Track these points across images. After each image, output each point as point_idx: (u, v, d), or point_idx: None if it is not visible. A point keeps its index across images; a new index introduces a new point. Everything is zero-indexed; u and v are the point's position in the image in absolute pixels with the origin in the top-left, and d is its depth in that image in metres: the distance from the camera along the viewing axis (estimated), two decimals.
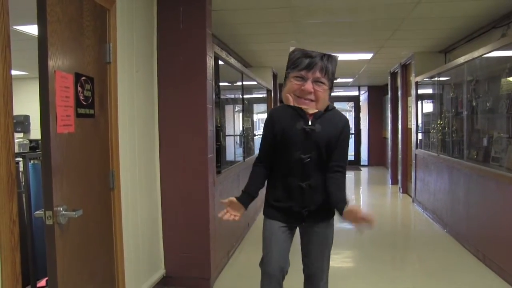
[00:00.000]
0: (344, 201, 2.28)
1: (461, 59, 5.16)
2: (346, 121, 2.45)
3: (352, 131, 15.02)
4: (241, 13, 4.86)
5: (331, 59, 2.34)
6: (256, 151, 7.35)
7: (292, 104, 2.35)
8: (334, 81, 2.42)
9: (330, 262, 2.60)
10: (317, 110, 2.35)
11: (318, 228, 2.48)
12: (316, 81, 2.30)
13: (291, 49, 2.41)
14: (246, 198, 2.50)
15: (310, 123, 2.35)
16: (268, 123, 2.46)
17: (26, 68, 7.98)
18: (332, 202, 2.35)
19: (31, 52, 5.34)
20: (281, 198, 2.45)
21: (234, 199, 2.47)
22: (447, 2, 4.46)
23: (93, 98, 2.48)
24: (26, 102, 6.45)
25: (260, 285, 2.48)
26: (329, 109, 2.42)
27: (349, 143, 2.51)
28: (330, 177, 2.36)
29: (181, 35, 3.71)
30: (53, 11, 1.98)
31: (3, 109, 1.83)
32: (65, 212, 2.03)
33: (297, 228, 2.56)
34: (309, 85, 2.29)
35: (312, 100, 2.32)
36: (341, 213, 2.25)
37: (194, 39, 3.71)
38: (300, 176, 2.38)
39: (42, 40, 1.92)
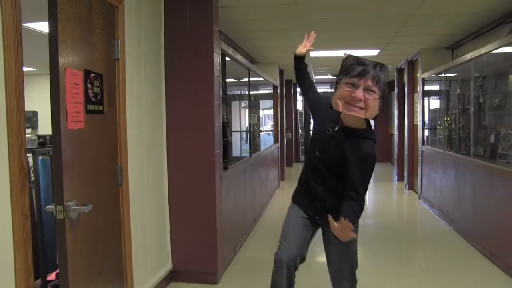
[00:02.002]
0: (346, 214, 2.15)
1: (468, 56, 5.14)
2: (370, 151, 2.40)
3: None
4: (248, 10, 4.87)
5: (384, 68, 2.32)
6: (262, 147, 7.39)
7: (341, 110, 2.34)
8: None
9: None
10: (366, 117, 2.35)
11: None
12: (367, 89, 2.27)
13: (345, 55, 2.41)
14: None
15: (337, 127, 2.41)
16: (321, 102, 2.63)
17: (34, 65, 8.05)
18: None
19: (40, 49, 5.39)
20: (304, 184, 2.63)
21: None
22: None
23: (102, 94, 2.51)
24: (34, 98, 6.51)
25: (272, 272, 2.56)
26: (366, 136, 2.41)
27: (371, 173, 2.41)
28: (346, 199, 2.28)
29: (188, 32, 3.73)
30: (63, 9, 2.01)
31: (15, 105, 1.87)
32: (75, 207, 2.07)
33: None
34: (359, 93, 2.26)
35: (361, 108, 2.29)
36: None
37: (201, 36, 3.73)
38: (316, 172, 2.51)
39: (53, 37, 1.95)
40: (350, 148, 2.36)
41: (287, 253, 2.51)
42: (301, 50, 2.76)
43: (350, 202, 2.26)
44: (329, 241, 2.57)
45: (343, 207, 2.26)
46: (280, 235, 2.62)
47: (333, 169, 2.44)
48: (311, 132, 2.65)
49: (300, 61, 2.80)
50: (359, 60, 2.32)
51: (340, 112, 2.38)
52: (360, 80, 2.27)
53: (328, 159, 2.45)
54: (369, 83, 2.27)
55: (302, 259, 2.59)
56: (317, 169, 2.49)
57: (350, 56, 2.38)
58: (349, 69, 2.31)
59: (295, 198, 2.70)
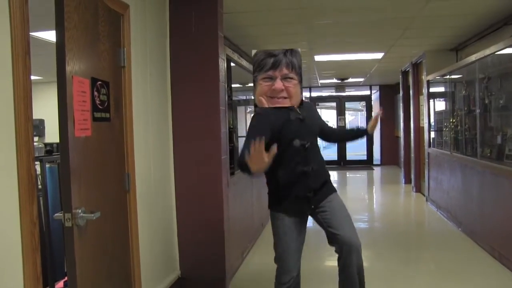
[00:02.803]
0: (360, 130, 2.87)
1: (473, 57, 5.13)
2: (314, 107, 2.86)
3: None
4: (252, 15, 4.89)
5: (295, 53, 2.35)
6: None
7: (266, 106, 2.35)
8: (301, 76, 2.54)
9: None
10: (292, 105, 2.38)
11: (326, 200, 2.52)
12: (284, 77, 2.30)
13: (253, 52, 2.42)
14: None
15: (299, 111, 2.44)
16: (260, 119, 2.40)
17: (41, 73, 8.11)
18: (353, 137, 2.89)
19: (46, 58, 5.42)
20: (285, 189, 2.49)
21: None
22: (457, 0, 4.45)
23: (108, 102, 2.53)
24: (41, 106, 6.54)
25: (277, 277, 2.56)
26: (303, 102, 2.54)
27: None
28: (340, 133, 3.04)
29: (193, 38, 3.75)
30: (70, 17, 2.03)
31: (23, 113, 1.88)
32: (83, 214, 2.07)
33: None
34: (278, 84, 2.29)
35: (285, 97, 2.33)
36: (366, 132, 2.80)
37: (207, 42, 3.74)
38: (303, 162, 2.44)
39: (60, 46, 1.97)
40: (313, 117, 2.60)
41: (289, 276, 2.50)
42: (263, 164, 2.08)
43: (337, 130, 3.03)
44: (332, 211, 2.50)
45: (344, 136, 3.15)
46: (275, 256, 2.56)
47: (314, 141, 2.56)
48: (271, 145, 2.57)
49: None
50: (268, 53, 2.34)
51: (281, 107, 2.39)
52: (275, 71, 2.29)
53: (311, 138, 2.50)
54: (285, 71, 2.30)
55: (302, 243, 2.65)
56: (304, 155, 2.44)
57: (258, 51, 2.41)
58: (261, 64, 2.33)
59: (279, 208, 2.55)
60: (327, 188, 2.58)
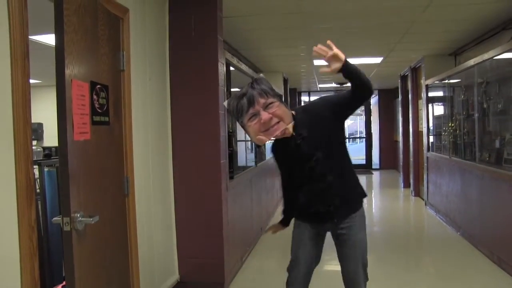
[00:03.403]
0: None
1: (471, 62, 5.14)
2: (309, 106, 2.61)
3: (363, 134, 15.00)
4: (252, 19, 4.90)
5: (260, 80, 2.34)
6: (268, 156, 7.38)
7: (267, 141, 2.36)
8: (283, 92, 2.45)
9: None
10: (289, 126, 2.34)
11: (344, 230, 2.49)
12: (265, 106, 2.28)
13: (225, 104, 2.43)
14: (287, 219, 2.77)
15: (295, 135, 2.40)
16: (275, 159, 2.68)
17: (39, 77, 8.11)
18: (354, 85, 2.33)
19: (45, 61, 5.41)
20: (306, 205, 2.53)
21: (278, 224, 2.80)
22: (456, 5, 4.46)
23: (107, 105, 2.52)
24: (39, 110, 6.54)
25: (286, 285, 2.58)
26: (297, 113, 2.44)
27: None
28: (350, 96, 2.35)
29: (193, 42, 3.75)
30: (70, 21, 2.03)
31: (22, 117, 1.88)
32: (82, 218, 2.06)
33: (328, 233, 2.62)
34: (264, 115, 2.27)
35: (278, 122, 2.31)
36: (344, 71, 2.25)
37: (206, 46, 3.75)
38: (318, 179, 2.43)
39: (60, 49, 1.96)
40: (316, 120, 2.40)
41: (300, 272, 2.53)
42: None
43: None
44: (341, 245, 2.52)
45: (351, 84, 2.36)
46: (290, 252, 2.62)
47: (329, 157, 2.42)
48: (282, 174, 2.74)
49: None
50: (237, 96, 2.34)
51: (282, 139, 2.39)
52: (254, 106, 2.28)
53: (320, 152, 2.41)
54: (262, 101, 2.28)
55: (318, 261, 2.62)
56: (318, 176, 2.43)
57: (228, 100, 2.40)
58: (238, 108, 2.32)
59: (301, 219, 2.62)
60: (351, 203, 2.54)
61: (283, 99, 2.39)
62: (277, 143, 2.51)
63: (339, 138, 2.50)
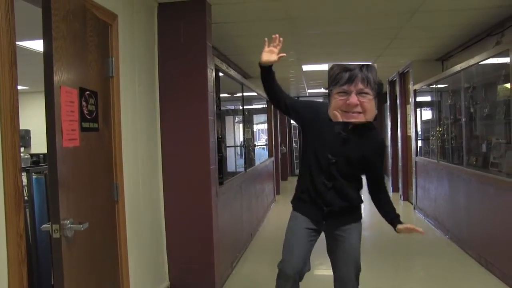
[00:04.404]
0: (396, 217, 2.56)
1: (458, 67, 5.21)
2: (383, 142, 2.63)
3: None
4: (241, 26, 4.91)
5: (371, 68, 2.33)
6: (257, 162, 7.39)
7: (341, 120, 2.35)
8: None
9: (331, 269, 2.64)
10: (366, 121, 2.36)
11: (342, 232, 2.55)
12: (360, 92, 2.28)
13: (329, 65, 2.42)
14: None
15: (349, 128, 2.44)
16: (311, 107, 2.57)
17: (26, 83, 8.04)
18: (386, 218, 2.60)
19: (32, 67, 5.36)
20: (308, 189, 2.55)
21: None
22: (442, 12, 4.52)
23: (97, 112, 2.51)
24: (27, 117, 6.47)
25: (276, 284, 2.53)
26: (372, 127, 2.49)
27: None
28: (379, 199, 2.62)
29: (182, 48, 3.76)
30: (58, 27, 2.02)
31: (10, 124, 1.87)
32: (71, 225, 2.04)
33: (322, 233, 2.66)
34: (354, 98, 2.27)
35: (360, 112, 2.31)
36: (395, 228, 2.53)
37: (195, 52, 3.75)
38: (326, 175, 2.48)
39: (48, 56, 1.95)
40: (366, 146, 2.47)
41: (292, 266, 2.49)
42: (271, 58, 2.52)
43: (383, 194, 2.61)
44: (337, 247, 2.56)
45: (383, 208, 2.60)
46: (283, 246, 2.59)
47: (347, 170, 2.49)
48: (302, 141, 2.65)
49: (269, 70, 2.56)
50: (344, 67, 2.33)
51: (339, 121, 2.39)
52: (350, 85, 2.28)
53: (343, 161, 2.46)
54: (360, 86, 2.28)
55: (308, 269, 2.60)
56: (327, 172, 2.48)
57: (334, 65, 2.39)
58: (337, 78, 2.32)
59: (298, 207, 2.63)
60: (350, 216, 2.59)
61: (377, 99, 2.38)
62: (326, 113, 2.43)
63: (362, 172, 2.60)
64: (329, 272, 2.64)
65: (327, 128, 2.45)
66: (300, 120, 2.61)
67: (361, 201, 2.66)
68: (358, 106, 2.29)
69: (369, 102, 2.31)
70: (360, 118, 2.32)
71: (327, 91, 2.43)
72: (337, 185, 2.49)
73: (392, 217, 2.55)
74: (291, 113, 2.61)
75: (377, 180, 2.62)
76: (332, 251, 2.60)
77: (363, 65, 2.33)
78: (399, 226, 2.50)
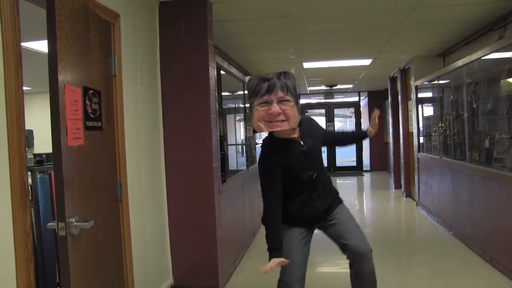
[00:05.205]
0: (362, 132, 2.91)
1: (460, 62, 5.20)
2: (314, 122, 2.75)
3: None
4: (241, 24, 4.92)
5: (288, 75, 2.36)
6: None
7: (265, 130, 2.37)
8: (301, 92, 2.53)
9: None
10: (291, 128, 2.38)
11: (334, 213, 2.64)
12: (280, 101, 2.30)
13: (247, 78, 2.46)
14: (280, 250, 2.37)
15: (302, 143, 2.48)
16: (269, 163, 2.46)
17: (29, 84, 8.06)
18: (354, 141, 3.07)
19: (35, 68, 5.37)
20: (294, 212, 2.57)
21: (274, 259, 2.32)
22: (443, 7, 4.52)
23: (100, 111, 2.53)
24: (29, 117, 6.49)
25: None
26: (304, 122, 2.53)
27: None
28: (342, 137, 3.03)
29: (183, 47, 3.77)
30: (62, 27, 2.03)
31: (16, 123, 1.89)
32: (77, 223, 2.06)
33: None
34: (275, 107, 2.28)
35: (283, 120, 2.32)
36: (366, 136, 2.85)
37: (196, 50, 3.77)
38: (310, 190, 2.55)
39: (52, 55, 1.97)
40: (315, 137, 2.60)
41: (295, 277, 2.51)
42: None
43: (343, 133, 3.09)
44: (340, 222, 2.62)
45: (347, 133, 3.09)
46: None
47: (321, 168, 2.62)
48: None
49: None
50: (262, 78, 2.35)
51: (284, 138, 2.45)
52: (270, 95, 2.29)
53: (318, 167, 2.57)
54: (280, 94, 2.30)
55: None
56: (312, 185, 2.56)
57: (252, 77, 2.42)
58: (256, 89, 2.33)
59: (287, 223, 2.55)
60: (334, 204, 2.68)
61: (298, 104, 2.42)
62: (276, 144, 2.47)
63: (321, 156, 2.71)
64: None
65: (289, 154, 2.45)
66: (283, 173, 2.48)
67: (335, 188, 2.80)
68: (281, 114, 2.31)
69: (291, 109, 2.33)
70: (284, 126, 2.33)
71: (248, 104, 2.47)
72: (321, 191, 2.59)
73: (358, 133, 3.00)
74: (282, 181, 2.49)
75: (332, 137, 3.07)
76: (334, 232, 2.63)
77: (280, 73, 2.35)
78: (369, 129, 2.85)
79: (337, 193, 2.76)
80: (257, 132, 2.46)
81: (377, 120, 2.84)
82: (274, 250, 2.32)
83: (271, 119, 2.31)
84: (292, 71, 2.43)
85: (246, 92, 2.40)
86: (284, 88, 2.30)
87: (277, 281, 2.56)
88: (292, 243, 2.56)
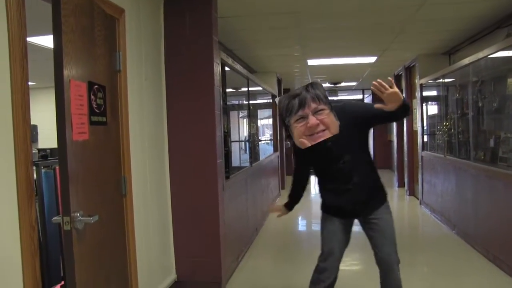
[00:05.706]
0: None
1: (466, 60, 5.17)
2: (347, 106, 2.52)
3: None
4: (246, 20, 4.91)
5: (316, 85, 2.38)
6: (262, 157, 7.39)
7: (309, 145, 2.39)
8: (338, 84, 2.48)
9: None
10: (333, 134, 2.39)
11: (375, 216, 2.62)
12: (315, 112, 2.32)
13: (277, 100, 2.48)
14: (291, 204, 2.95)
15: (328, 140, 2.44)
16: (296, 155, 2.76)
17: (33, 79, 8.08)
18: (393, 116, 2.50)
19: (40, 63, 5.38)
20: (331, 200, 2.64)
21: (282, 207, 2.95)
22: (449, 4, 4.50)
23: (105, 106, 2.52)
24: (34, 112, 6.50)
25: (315, 275, 2.69)
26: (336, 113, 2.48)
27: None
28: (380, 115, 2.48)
29: (188, 43, 3.76)
30: (68, 22, 2.03)
31: (21, 118, 1.89)
32: (82, 218, 2.07)
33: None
34: (312, 120, 2.31)
35: (323, 130, 2.35)
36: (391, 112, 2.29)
37: (201, 46, 3.75)
38: (344, 180, 2.53)
39: (58, 50, 1.97)
40: (347, 125, 2.41)
41: (331, 265, 2.63)
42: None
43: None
44: (372, 230, 2.64)
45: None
46: (321, 244, 2.70)
47: (355, 153, 2.52)
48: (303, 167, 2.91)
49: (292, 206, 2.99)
50: (291, 95, 2.37)
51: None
52: (304, 109, 2.32)
53: (352, 152, 2.50)
54: (313, 105, 2.32)
55: (347, 244, 2.76)
56: (346, 173, 2.52)
57: (281, 97, 2.44)
58: (289, 107, 2.36)
59: (327, 211, 2.72)
60: (376, 200, 2.65)
61: (333, 109, 2.40)
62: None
63: (365, 140, 2.60)
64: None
65: (315, 148, 2.45)
66: (306, 157, 2.70)
67: (380, 180, 2.68)
68: (320, 124, 2.33)
69: (328, 116, 2.35)
70: (327, 135, 2.36)
71: (284, 125, 2.49)
72: (356, 181, 2.52)
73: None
74: (307, 163, 2.80)
75: (378, 113, 2.39)
76: (370, 234, 2.68)
77: (307, 85, 2.37)
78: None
79: (382, 188, 2.68)
80: (302, 148, 2.46)
81: (389, 90, 2.24)
82: (286, 204, 2.96)
83: (311, 132, 2.35)
84: (318, 80, 2.42)
85: (278, 113, 2.41)
86: (316, 98, 2.32)
87: (315, 266, 2.69)
88: (332, 233, 2.64)
